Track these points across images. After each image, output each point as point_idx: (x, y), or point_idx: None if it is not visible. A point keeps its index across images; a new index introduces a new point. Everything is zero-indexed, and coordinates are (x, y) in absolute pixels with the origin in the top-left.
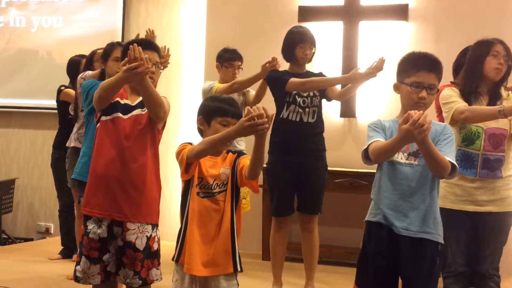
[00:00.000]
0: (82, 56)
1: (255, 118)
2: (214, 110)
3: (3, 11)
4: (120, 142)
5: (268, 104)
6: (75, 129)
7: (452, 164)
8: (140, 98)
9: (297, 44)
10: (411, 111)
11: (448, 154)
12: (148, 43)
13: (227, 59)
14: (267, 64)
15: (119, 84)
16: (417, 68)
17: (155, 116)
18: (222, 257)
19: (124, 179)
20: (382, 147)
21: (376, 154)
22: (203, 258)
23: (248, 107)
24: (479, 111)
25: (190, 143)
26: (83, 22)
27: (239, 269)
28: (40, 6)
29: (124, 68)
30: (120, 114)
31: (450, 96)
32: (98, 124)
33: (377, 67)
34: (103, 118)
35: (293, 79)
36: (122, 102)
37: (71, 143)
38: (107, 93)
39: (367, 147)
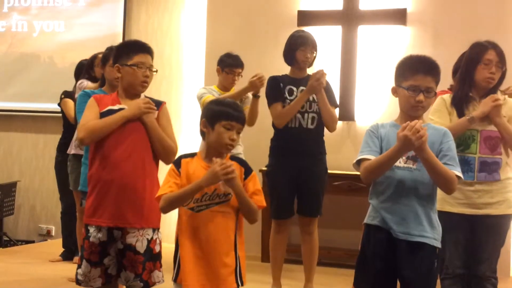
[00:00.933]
0: None
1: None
2: (218, 113)
3: (5, 16)
4: (117, 148)
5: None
6: (75, 136)
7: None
8: None
9: (298, 48)
10: (407, 122)
11: (454, 167)
12: (141, 46)
13: (229, 65)
14: (255, 78)
15: (122, 120)
16: (414, 72)
17: (162, 160)
18: (223, 272)
19: (123, 186)
20: (377, 161)
21: (369, 171)
22: (201, 275)
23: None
24: (449, 129)
25: (180, 160)
26: (84, 26)
27: (239, 284)
28: (42, 11)
29: (144, 105)
30: None
31: (434, 112)
32: None
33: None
34: None
35: (275, 109)
36: (115, 108)
37: (72, 150)
38: (100, 134)
39: (359, 162)
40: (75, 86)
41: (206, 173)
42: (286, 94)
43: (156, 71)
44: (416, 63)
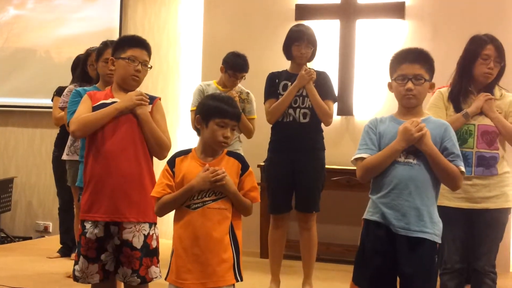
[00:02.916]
0: None
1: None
2: (212, 110)
3: (1, 10)
4: (112, 142)
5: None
6: (69, 142)
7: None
8: None
9: (293, 43)
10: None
11: (459, 164)
12: (137, 40)
13: (232, 68)
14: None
15: (114, 113)
16: (401, 62)
17: (155, 156)
18: (221, 269)
19: (119, 180)
20: (374, 159)
21: (366, 170)
22: (200, 273)
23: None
24: None
25: (174, 159)
26: (80, 21)
27: (239, 279)
28: (38, 5)
29: (137, 97)
30: None
31: (430, 107)
32: None
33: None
34: None
35: (268, 105)
36: (108, 101)
37: (65, 156)
38: (92, 127)
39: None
40: (71, 81)
41: (197, 177)
42: (280, 90)
43: (151, 67)
44: (403, 54)
